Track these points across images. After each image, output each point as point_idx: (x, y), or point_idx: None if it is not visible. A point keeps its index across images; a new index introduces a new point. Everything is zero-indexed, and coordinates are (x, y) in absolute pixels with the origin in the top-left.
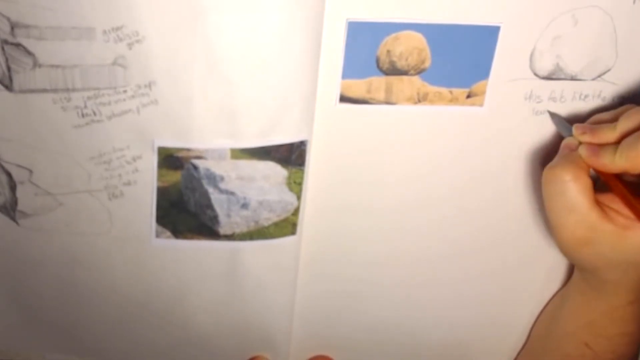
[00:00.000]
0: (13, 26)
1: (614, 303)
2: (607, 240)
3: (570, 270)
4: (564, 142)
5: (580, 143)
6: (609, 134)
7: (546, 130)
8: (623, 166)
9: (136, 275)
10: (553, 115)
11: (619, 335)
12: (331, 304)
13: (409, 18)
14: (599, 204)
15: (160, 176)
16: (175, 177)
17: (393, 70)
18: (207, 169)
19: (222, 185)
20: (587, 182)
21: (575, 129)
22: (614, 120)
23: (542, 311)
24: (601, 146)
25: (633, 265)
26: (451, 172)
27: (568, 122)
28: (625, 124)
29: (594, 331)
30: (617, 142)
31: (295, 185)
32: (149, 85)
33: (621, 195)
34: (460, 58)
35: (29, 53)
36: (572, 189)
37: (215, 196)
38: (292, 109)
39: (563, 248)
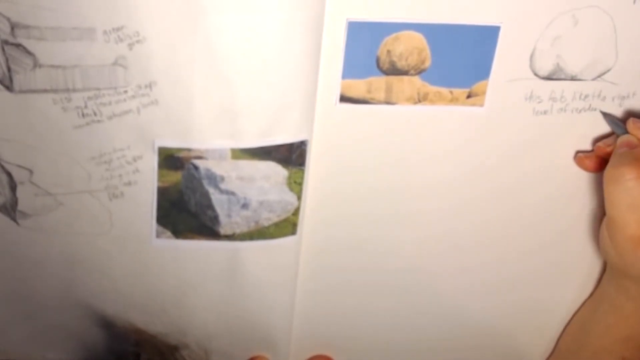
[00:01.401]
0: (13, 26)
1: None
2: None
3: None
4: (620, 140)
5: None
6: None
7: (546, 130)
8: None
9: (137, 275)
10: (605, 115)
11: None
12: (331, 303)
13: (409, 18)
14: None
15: (160, 176)
16: (175, 177)
17: (393, 70)
18: (208, 169)
19: (223, 186)
20: None
21: (631, 123)
22: None
23: (568, 324)
24: None
25: None
26: (451, 172)
27: (620, 120)
28: None
29: (632, 345)
30: None
31: (296, 185)
32: (150, 86)
33: None
34: (460, 58)
35: (29, 53)
36: (636, 187)
37: (215, 196)
38: (292, 109)
39: (620, 249)
